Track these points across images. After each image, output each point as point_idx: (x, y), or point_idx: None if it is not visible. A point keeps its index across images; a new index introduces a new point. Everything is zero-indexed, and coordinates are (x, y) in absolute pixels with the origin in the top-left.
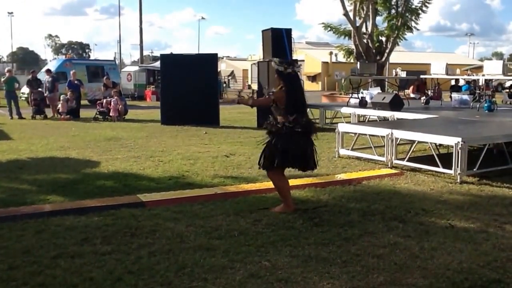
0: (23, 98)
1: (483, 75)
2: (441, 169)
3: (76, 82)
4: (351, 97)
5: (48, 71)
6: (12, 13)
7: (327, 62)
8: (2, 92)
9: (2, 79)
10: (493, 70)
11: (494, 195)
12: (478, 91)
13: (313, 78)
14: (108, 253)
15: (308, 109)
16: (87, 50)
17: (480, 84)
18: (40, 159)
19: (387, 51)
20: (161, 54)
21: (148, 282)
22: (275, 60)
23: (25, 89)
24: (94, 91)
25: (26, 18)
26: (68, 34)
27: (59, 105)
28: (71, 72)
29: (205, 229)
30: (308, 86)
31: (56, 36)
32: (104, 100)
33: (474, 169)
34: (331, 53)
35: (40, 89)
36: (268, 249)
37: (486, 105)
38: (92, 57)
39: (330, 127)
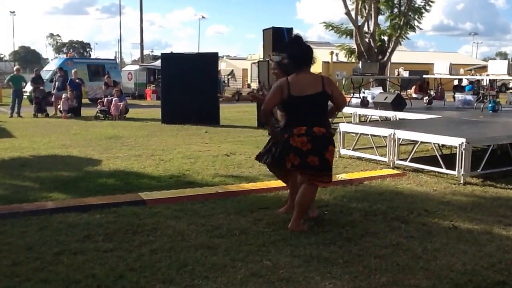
0: (25, 97)
1: (488, 75)
2: (444, 170)
3: (77, 80)
4: (353, 97)
5: (60, 69)
6: (14, 12)
7: (328, 62)
8: (6, 90)
9: (5, 80)
10: (497, 70)
11: (498, 196)
12: (482, 91)
13: None
14: (110, 250)
15: None
16: (88, 49)
17: (484, 84)
18: (42, 157)
19: (389, 50)
20: (162, 53)
21: (149, 280)
22: (283, 56)
23: (29, 87)
24: (95, 89)
25: (28, 17)
26: (69, 33)
27: (60, 104)
28: (73, 71)
29: (206, 227)
30: None
31: (58, 35)
32: (105, 99)
33: (478, 170)
34: (332, 53)
35: (42, 88)
36: (269, 248)
37: (490, 105)
38: (93, 56)
39: None
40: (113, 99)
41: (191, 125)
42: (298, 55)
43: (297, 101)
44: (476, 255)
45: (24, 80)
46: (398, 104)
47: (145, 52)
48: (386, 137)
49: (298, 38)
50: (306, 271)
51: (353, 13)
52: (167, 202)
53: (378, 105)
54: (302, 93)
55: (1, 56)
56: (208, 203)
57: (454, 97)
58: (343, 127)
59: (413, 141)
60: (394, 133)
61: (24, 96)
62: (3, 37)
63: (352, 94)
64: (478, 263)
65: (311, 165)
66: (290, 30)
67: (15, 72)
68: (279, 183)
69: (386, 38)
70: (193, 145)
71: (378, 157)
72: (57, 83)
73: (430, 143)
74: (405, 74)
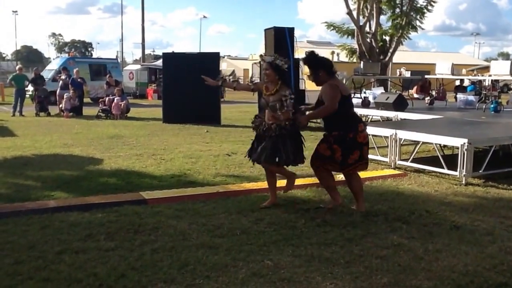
0: (27, 96)
1: (490, 76)
2: (445, 171)
3: (79, 80)
4: (354, 97)
5: (65, 69)
6: (16, 11)
7: None
8: (8, 89)
9: (8, 80)
10: (500, 70)
11: (500, 197)
12: (484, 92)
13: None
14: (112, 250)
15: None
16: (89, 49)
17: (486, 84)
18: (44, 155)
19: (390, 50)
20: (163, 53)
21: (151, 279)
22: (275, 56)
23: (31, 87)
24: (96, 89)
25: (30, 17)
26: (71, 32)
27: (62, 103)
28: (74, 70)
29: (207, 227)
30: (308, 85)
31: (60, 34)
32: (107, 98)
33: (480, 171)
34: (332, 53)
35: (44, 87)
36: (271, 248)
37: (492, 106)
38: (94, 56)
39: None
40: (115, 99)
41: (192, 125)
42: (330, 65)
43: (347, 100)
44: (478, 256)
45: (27, 79)
46: (400, 104)
47: (147, 51)
48: (388, 137)
49: (314, 52)
50: (307, 271)
51: (354, 13)
52: (169, 202)
53: (379, 105)
54: (347, 93)
55: (4, 55)
56: (209, 202)
57: (455, 98)
58: None
59: (415, 141)
60: (395, 133)
61: (27, 95)
62: (5, 37)
63: (353, 94)
64: (480, 264)
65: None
66: (291, 30)
67: (17, 72)
68: (278, 183)
69: (387, 38)
70: (194, 145)
71: (379, 157)
72: (61, 82)
73: (431, 143)
74: (407, 74)
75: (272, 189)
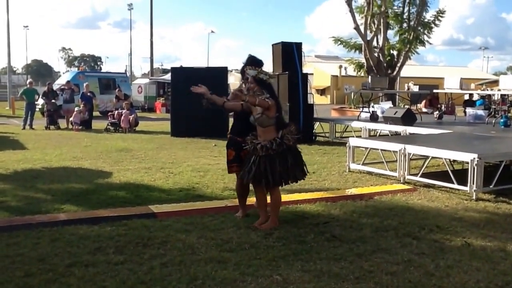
0: (37, 109)
1: (499, 90)
2: (455, 186)
3: (89, 94)
4: (362, 111)
5: (68, 82)
6: (27, 26)
7: (336, 76)
8: (18, 102)
9: (19, 94)
10: (509, 84)
11: (511, 213)
12: (493, 106)
13: (322, 92)
14: (121, 263)
15: (318, 123)
16: (98, 63)
17: (495, 99)
18: (54, 168)
19: (398, 65)
20: (171, 68)
21: None
22: (258, 71)
23: (41, 100)
24: (105, 102)
25: (41, 32)
26: (81, 47)
27: (72, 116)
28: (85, 85)
29: (216, 241)
30: (317, 99)
31: (70, 49)
32: (116, 112)
33: (490, 186)
34: (340, 67)
35: (53, 101)
36: (280, 263)
37: (502, 120)
38: (103, 70)
39: (340, 141)
40: (123, 112)
41: (200, 138)
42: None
43: None
44: (490, 272)
45: (37, 93)
46: (408, 118)
47: (155, 65)
48: (397, 152)
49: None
50: (317, 286)
51: (362, 28)
52: (177, 215)
53: (388, 120)
54: None
55: (14, 69)
56: (217, 216)
57: (464, 112)
58: (353, 141)
59: (424, 156)
60: (404, 148)
61: (36, 109)
62: (16, 51)
63: (361, 109)
64: (492, 281)
65: None
66: (299, 45)
67: (28, 86)
68: (288, 197)
69: (395, 52)
70: (202, 158)
71: (388, 172)
72: (64, 96)
73: (441, 158)
74: (415, 88)
75: (262, 206)
